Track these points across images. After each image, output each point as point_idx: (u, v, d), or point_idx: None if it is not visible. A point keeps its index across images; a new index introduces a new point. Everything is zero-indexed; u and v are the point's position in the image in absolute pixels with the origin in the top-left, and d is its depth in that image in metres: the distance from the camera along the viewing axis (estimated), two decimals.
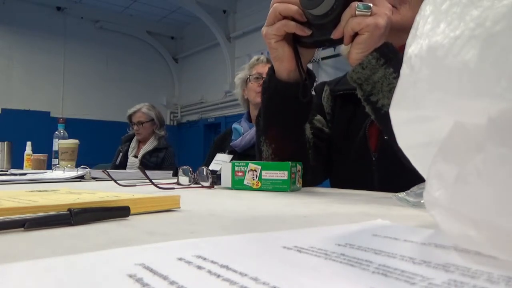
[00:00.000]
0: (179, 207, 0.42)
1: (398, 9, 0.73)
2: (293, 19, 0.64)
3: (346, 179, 0.85)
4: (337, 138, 0.88)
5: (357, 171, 0.83)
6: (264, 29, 0.68)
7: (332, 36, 0.63)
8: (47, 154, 2.12)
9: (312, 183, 0.82)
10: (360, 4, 0.60)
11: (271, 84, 0.73)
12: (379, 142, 0.80)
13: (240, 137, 1.70)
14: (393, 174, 0.70)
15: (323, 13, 0.61)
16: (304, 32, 0.64)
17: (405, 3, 0.74)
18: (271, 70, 0.73)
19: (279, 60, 0.70)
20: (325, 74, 4.43)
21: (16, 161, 2.34)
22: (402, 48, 0.27)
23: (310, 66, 3.00)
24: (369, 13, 0.60)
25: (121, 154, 2.71)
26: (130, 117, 2.69)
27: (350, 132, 0.85)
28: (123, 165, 2.62)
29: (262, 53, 4.16)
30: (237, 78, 1.82)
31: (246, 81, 1.76)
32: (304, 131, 0.79)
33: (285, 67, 0.70)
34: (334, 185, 0.90)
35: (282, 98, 0.72)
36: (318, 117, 0.90)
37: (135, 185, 0.79)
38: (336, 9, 0.61)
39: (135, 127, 2.64)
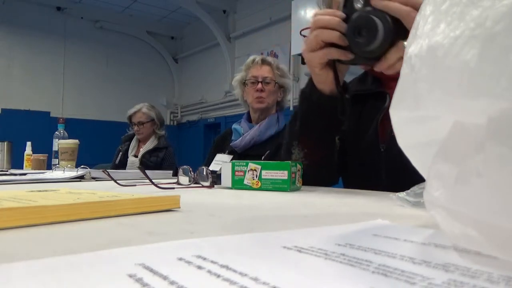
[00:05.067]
0: (179, 207, 0.42)
1: None
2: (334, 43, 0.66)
3: (356, 173, 0.87)
4: (348, 134, 0.91)
5: (366, 163, 0.85)
6: (306, 55, 0.70)
7: (375, 69, 0.65)
8: (47, 154, 2.12)
9: (333, 183, 0.85)
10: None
11: (313, 97, 0.75)
12: (387, 134, 0.81)
13: (240, 138, 1.70)
14: (400, 165, 0.72)
15: (370, 50, 0.62)
16: (347, 56, 0.66)
17: None
18: (312, 82, 0.75)
19: (322, 83, 0.72)
20: None
21: (16, 161, 2.34)
22: None
23: None
24: None
25: (120, 153, 2.71)
26: (130, 117, 2.69)
27: (360, 128, 0.88)
28: (123, 164, 2.62)
29: (262, 53, 4.16)
30: (235, 80, 1.81)
31: (243, 83, 1.76)
32: (335, 138, 0.83)
33: (328, 88, 0.72)
34: (345, 178, 0.91)
35: (322, 111, 0.75)
36: None
37: (135, 185, 0.79)
38: (383, 47, 0.62)
39: (136, 128, 2.64)
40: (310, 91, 0.76)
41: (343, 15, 0.64)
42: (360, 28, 0.61)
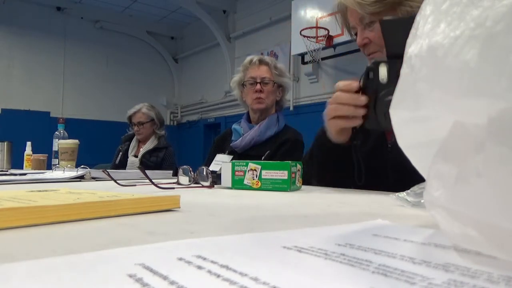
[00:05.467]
0: (179, 207, 0.42)
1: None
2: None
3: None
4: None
5: (373, 161, 0.87)
6: (326, 122, 0.79)
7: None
8: (47, 154, 2.12)
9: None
10: None
11: (328, 145, 0.83)
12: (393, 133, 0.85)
13: (240, 138, 1.70)
14: (406, 163, 0.75)
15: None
16: (355, 123, 0.73)
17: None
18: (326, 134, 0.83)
19: (338, 139, 0.81)
20: (325, 74, 4.43)
21: (16, 161, 2.34)
22: None
23: (310, 66, 3.03)
24: None
25: (120, 153, 2.70)
26: (130, 118, 2.68)
27: None
28: (123, 165, 2.62)
29: (261, 53, 4.16)
30: (233, 82, 1.81)
31: (242, 84, 1.75)
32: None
33: (341, 140, 0.81)
34: None
35: (338, 156, 0.83)
36: None
37: (135, 185, 0.79)
38: None
39: (136, 128, 2.64)
40: (328, 144, 0.84)
41: (357, 87, 0.71)
42: None
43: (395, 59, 0.66)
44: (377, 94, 0.69)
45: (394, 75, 0.67)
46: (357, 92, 0.72)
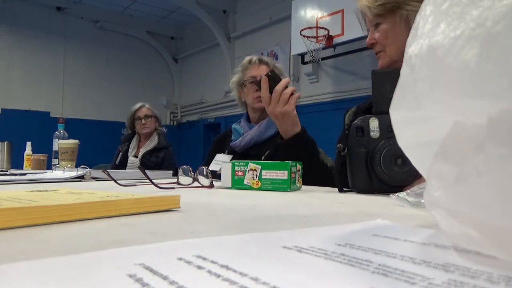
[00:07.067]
0: (179, 207, 0.42)
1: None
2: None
3: None
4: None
5: None
6: None
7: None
8: (47, 154, 2.12)
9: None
10: None
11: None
12: None
13: (240, 138, 1.69)
14: None
15: (403, 177, 0.64)
16: None
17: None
18: None
19: None
20: (325, 74, 4.43)
21: (16, 161, 2.34)
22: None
23: (310, 66, 3.05)
24: None
25: (121, 154, 2.70)
26: (134, 113, 2.69)
27: None
28: (123, 165, 2.62)
29: (261, 53, 4.15)
30: (232, 82, 1.81)
31: (241, 84, 1.75)
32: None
33: None
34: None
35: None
36: None
37: (135, 185, 0.79)
38: (410, 181, 0.63)
39: (143, 121, 2.65)
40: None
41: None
42: (397, 157, 0.64)
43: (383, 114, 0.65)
44: (369, 150, 0.65)
45: (386, 129, 0.65)
46: None
